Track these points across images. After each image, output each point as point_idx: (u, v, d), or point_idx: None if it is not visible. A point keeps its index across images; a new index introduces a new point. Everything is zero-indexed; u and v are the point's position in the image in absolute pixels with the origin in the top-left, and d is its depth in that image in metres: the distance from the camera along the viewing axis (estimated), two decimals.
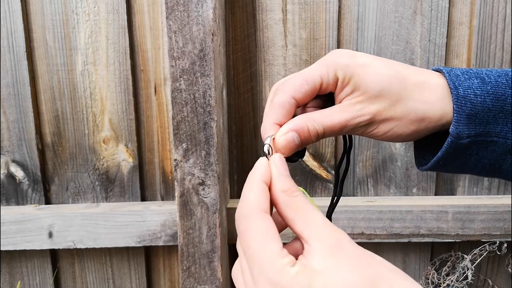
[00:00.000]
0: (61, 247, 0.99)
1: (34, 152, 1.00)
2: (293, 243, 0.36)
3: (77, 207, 1.01)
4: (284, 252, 0.32)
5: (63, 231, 0.98)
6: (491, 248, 0.99)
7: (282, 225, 0.38)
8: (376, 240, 0.96)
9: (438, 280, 1.03)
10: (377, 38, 0.95)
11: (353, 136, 0.56)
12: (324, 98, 0.47)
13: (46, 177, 1.02)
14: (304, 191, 0.38)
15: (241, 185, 1.02)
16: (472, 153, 0.45)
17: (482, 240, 0.97)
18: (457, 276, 1.02)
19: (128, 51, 0.96)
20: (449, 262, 1.04)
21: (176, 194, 0.89)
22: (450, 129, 0.44)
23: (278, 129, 0.42)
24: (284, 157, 0.40)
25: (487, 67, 0.96)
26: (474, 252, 1.01)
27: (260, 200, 0.35)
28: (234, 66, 0.98)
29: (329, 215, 0.48)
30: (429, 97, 0.44)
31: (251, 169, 0.38)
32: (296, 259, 0.33)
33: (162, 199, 1.04)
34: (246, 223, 0.34)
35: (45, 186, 1.02)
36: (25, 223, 0.97)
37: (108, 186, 1.02)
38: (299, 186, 0.38)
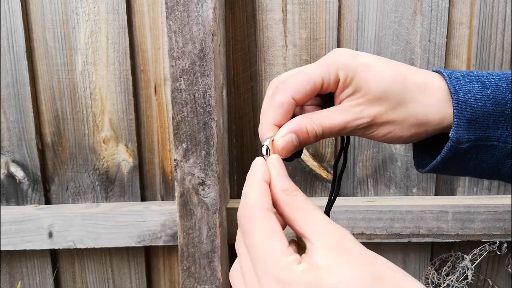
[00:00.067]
0: (61, 247, 0.99)
1: (34, 152, 1.00)
2: (291, 246, 0.36)
3: (77, 207, 1.01)
4: (289, 251, 0.32)
5: (63, 231, 0.98)
6: (491, 248, 0.99)
7: (281, 225, 0.38)
8: (376, 240, 0.96)
9: (438, 280, 1.03)
10: (377, 38, 0.95)
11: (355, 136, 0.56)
12: (323, 96, 0.47)
13: (46, 177, 1.02)
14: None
15: (241, 185, 1.02)
16: (472, 157, 0.45)
17: (482, 240, 0.97)
18: (457, 276, 1.02)
19: (128, 51, 0.96)
20: (449, 262, 1.04)
21: (176, 194, 0.89)
22: (450, 134, 0.44)
23: (276, 130, 0.42)
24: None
25: (487, 67, 0.96)
26: (474, 252, 1.01)
27: (263, 199, 0.35)
28: (234, 66, 0.98)
29: (327, 212, 0.48)
30: (430, 100, 0.44)
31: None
32: None
33: (162, 199, 1.04)
34: (250, 221, 0.34)
35: (45, 186, 1.02)
36: (25, 223, 0.97)
37: (108, 186, 1.02)
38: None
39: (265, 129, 0.42)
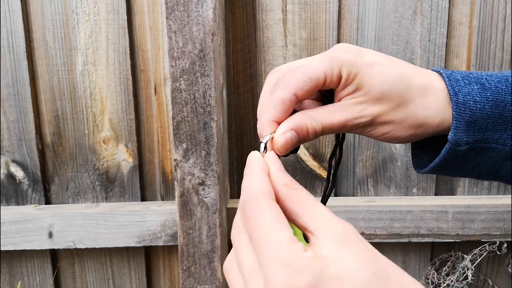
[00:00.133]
0: (61, 247, 0.99)
1: (34, 152, 1.00)
2: None
3: (77, 207, 1.01)
4: (295, 239, 0.31)
5: (63, 231, 0.98)
6: (491, 248, 0.99)
7: None
8: (376, 240, 0.96)
9: (438, 280, 1.03)
10: (377, 38, 0.95)
11: (352, 133, 0.56)
12: (323, 91, 0.46)
13: (46, 177, 1.02)
14: None
15: (241, 185, 1.02)
16: (470, 159, 0.45)
17: (482, 240, 0.97)
18: (457, 276, 1.02)
19: (128, 51, 0.96)
20: (449, 262, 1.04)
21: (176, 194, 0.89)
22: (449, 136, 0.44)
23: (276, 126, 0.41)
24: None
25: (487, 67, 0.96)
26: (474, 252, 1.01)
27: (268, 188, 0.34)
28: (234, 66, 0.98)
29: None
30: (430, 102, 0.44)
31: None
32: None
33: (162, 199, 1.04)
34: (255, 208, 0.33)
35: (45, 186, 1.02)
36: (25, 223, 0.97)
37: (108, 186, 1.02)
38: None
39: (265, 126, 0.41)
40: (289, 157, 0.99)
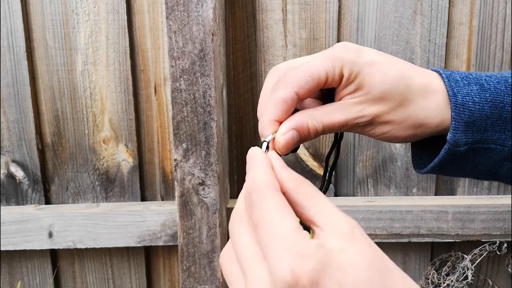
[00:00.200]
0: (61, 247, 0.99)
1: (34, 152, 1.00)
2: None
3: (77, 207, 1.01)
4: (301, 228, 0.31)
5: (63, 231, 0.98)
6: (491, 248, 0.99)
7: None
8: (376, 240, 0.96)
9: (438, 280, 1.03)
10: (377, 38, 0.95)
11: (352, 133, 0.56)
12: (323, 89, 0.46)
13: (46, 177, 1.02)
14: None
15: (241, 185, 1.02)
16: (469, 159, 0.45)
17: (482, 240, 0.97)
18: (457, 276, 1.02)
19: (128, 51, 0.96)
20: (449, 262, 1.04)
21: (176, 194, 0.89)
22: (448, 137, 0.44)
23: (277, 126, 0.41)
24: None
25: (487, 67, 0.96)
26: (474, 252, 1.01)
27: (273, 180, 0.34)
28: (234, 66, 0.98)
29: None
30: (430, 103, 0.44)
31: None
32: None
33: (162, 199, 1.04)
34: (261, 197, 0.33)
35: (45, 186, 1.02)
36: (25, 223, 0.97)
37: (108, 186, 1.02)
38: None
39: (266, 125, 0.41)
40: (289, 156, 0.99)
